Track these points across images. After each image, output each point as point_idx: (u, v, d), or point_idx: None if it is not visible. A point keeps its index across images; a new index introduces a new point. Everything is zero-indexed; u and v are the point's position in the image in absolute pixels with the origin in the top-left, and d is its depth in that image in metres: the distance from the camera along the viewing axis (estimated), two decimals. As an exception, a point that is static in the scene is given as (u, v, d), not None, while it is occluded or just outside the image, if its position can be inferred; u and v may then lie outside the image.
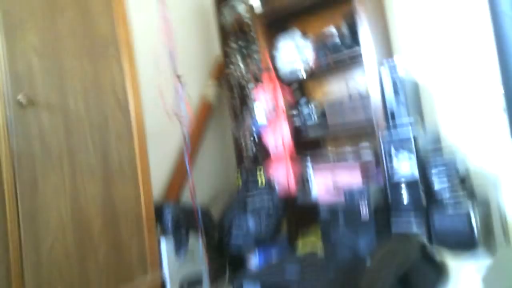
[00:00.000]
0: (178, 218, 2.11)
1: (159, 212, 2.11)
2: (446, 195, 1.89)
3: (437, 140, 2.23)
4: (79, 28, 1.89)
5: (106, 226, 1.85)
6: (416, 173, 1.92)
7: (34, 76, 1.67)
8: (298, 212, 2.57)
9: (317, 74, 2.69)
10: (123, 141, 2.02)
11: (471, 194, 1.97)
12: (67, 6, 1.86)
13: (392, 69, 2.08)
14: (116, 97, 2.01)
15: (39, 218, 1.61)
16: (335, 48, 2.38)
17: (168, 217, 2.11)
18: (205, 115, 3.03)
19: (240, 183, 2.60)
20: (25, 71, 1.65)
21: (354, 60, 2.32)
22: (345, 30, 2.38)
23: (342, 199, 2.08)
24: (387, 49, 2.35)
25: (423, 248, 0.70)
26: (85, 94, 1.87)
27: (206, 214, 2.28)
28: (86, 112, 1.86)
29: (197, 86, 3.09)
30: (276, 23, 2.73)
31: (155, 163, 2.34)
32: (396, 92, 2.07)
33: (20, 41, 1.64)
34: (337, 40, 2.39)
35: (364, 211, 1.92)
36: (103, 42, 1.99)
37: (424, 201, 1.88)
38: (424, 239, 0.71)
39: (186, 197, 2.71)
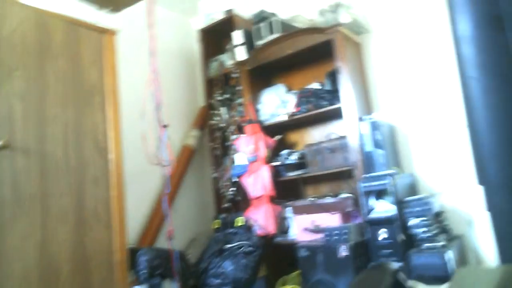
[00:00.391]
0: (153, 264, 2.04)
1: (133, 257, 2.04)
2: (422, 232, 1.90)
3: (413, 180, 2.29)
4: (68, 76, 1.97)
5: (75, 273, 1.78)
6: (393, 211, 1.95)
7: (15, 121, 1.71)
8: (277, 254, 2.51)
9: (299, 125, 2.79)
10: (100, 185, 2.01)
11: (446, 230, 1.98)
12: (59, 55, 1.94)
13: (371, 123, 2.18)
14: (96, 143, 2.04)
15: (3, 265, 1.55)
16: (317, 103, 2.48)
17: (143, 263, 2.04)
18: (186, 161, 3.05)
19: (218, 226, 2.56)
20: (5, 116, 1.67)
21: (335, 114, 2.42)
22: (327, 86, 2.51)
23: (321, 238, 2.06)
24: (366, 104, 2.46)
25: (395, 275, 0.71)
26: (65, 139, 1.90)
27: (182, 258, 2.21)
28: (64, 157, 1.87)
29: (180, 134, 3.16)
30: (262, 78, 2.87)
31: (132, 207, 2.31)
32: (375, 144, 2.16)
33: (5, 87, 1.69)
34: (320, 95, 2.50)
35: (343, 250, 1.90)
36: (90, 90, 2.06)
37: (401, 238, 1.88)
38: (396, 267, 0.71)
39: (162, 241, 2.64)
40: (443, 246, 1.80)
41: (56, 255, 1.73)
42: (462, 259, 1.95)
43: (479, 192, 0.93)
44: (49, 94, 1.86)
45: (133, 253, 2.07)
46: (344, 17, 2.39)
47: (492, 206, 0.86)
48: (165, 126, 2.02)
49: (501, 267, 0.59)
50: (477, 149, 0.88)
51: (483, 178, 0.87)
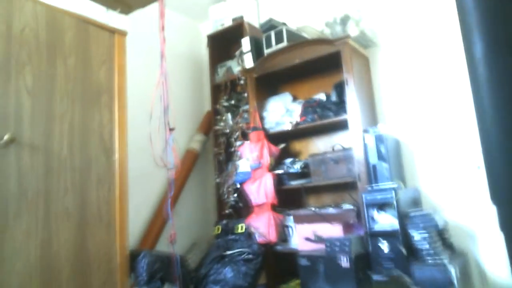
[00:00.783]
0: (154, 267, 2.02)
1: (133, 260, 2.03)
2: (425, 246, 1.89)
3: (416, 195, 2.29)
4: (78, 75, 1.97)
5: (76, 273, 1.77)
6: (396, 225, 1.94)
7: (23, 116, 1.71)
8: (277, 262, 2.50)
9: (304, 135, 2.80)
10: (104, 185, 2.00)
11: (449, 245, 1.98)
12: (71, 53, 1.95)
13: (376, 136, 2.19)
14: (102, 142, 2.03)
15: (5, 262, 1.53)
16: (323, 113, 2.50)
17: (143, 266, 2.02)
18: (190, 165, 3.05)
19: (219, 231, 2.55)
20: (14, 111, 1.68)
21: (340, 125, 2.44)
22: (333, 97, 2.53)
23: (322, 248, 2.06)
24: (372, 116, 2.48)
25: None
26: (71, 137, 1.89)
27: (182, 263, 2.19)
28: (69, 155, 1.87)
29: (185, 137, 3.16)
30: (269, 86, 2.89)
31: (134, 209, 2.30)
32: (380, 156, 2.16)
33: (14, 82, 1.69)
34: (326, 105, 2.52)
35: (345, 260, 1.89)
36: (98, 89, 2.06)
37: (404, 252, 1.88)
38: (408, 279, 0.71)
39: (162, 244, 2.63)
40: (446, 261, 1.80)
41: (57, 254, 1.72)
42: (465, 275, 1.94)
43: (492, 211, 0.93)
44: (57, 91, 1.87)
45: (134, 256, 2.06)
46: (352, 30, 2.42)
47: (506, 226, 0.86)
48: (172, 129, 2.02)
49: None
50: (491, 169, 0.88)
51: (497, 197, 0.87)
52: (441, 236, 1.98)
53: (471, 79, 0.97)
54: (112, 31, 2.18)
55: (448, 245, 1.98)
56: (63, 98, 1.89)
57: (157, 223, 2.62)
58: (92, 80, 2.04)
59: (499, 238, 0.89)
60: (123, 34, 2.24)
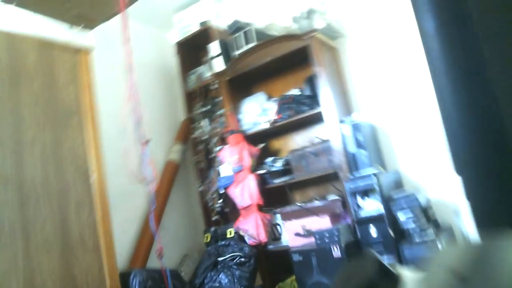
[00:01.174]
0: (147, 285, 1.99)
1: (125, 281, 1.98)
2: (411, 225, 1.93)
3: (397, 177, 2.34)
4: (44, 98, 1.91)
5: (65, 303, 1.71)
6: (381, 209, 1.98)
7: (-12, 148, 1.64)
8: (271, 262, 2.50)
9: (282, 132, 2.81)
10: (84, 208, 1.95)
11: (434, 222, 2.03)
12: (35, 77, 1.88)
13: (352, 125, 2.22)
14: (77, 165, 1.98)
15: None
16: (298, 108, 2.51)
17: (136, 286, 1.98)
18: (171, 176, 3.01)
19: (209, 239, 2.53)
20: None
21: (316, 118, 2.45)
22: (307, 91, 2.54)
23: (313, 242, 2.07)
24: (346, 106, 2.51)
25: (379, 262, 0.72)
26: (44, 163, 1.83)
27: (175, 276, 2.16)
28: (44, 182, 1.81)
29: (163, 149, 3.12)
30: (242, 87, 2.88)
31: (119, 228, 2.25)
32: (358, 144, 2.19)
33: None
34: (300, 100, 2.52)
35: (336, 250, 1.91)
36: (67, 111, 2.00)
37: (392, 234, 1.91)
38: (377, 255, 0.73)
39: (153, 261, 2.58)
40: (434, 237, 1.84)
41: (43, 287, 1.65)
42: (452, 249, 1.99)
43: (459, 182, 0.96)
44: (25, 118, 1.80)
45: (124, 276, 2.01)
46: (318, 23, 2.44)
47: (471, 195, 0.88)
48: (146, 142, 1.99)
49: (475, 245, 0.62)
50: (451, 142, 0.91)
51: (459, 168, 0.90)
52: (426, 214, 2.02)
53: (426, 55, 1.00)
54: (75, 50, 2.13)
55: (433, 222, 2.02)
56: (31, 124, 1.83)
57: (145, 239, 2.57)
58: (60, 102, 1.99)
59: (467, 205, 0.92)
60: (87, 51, 2.19)
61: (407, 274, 0.71)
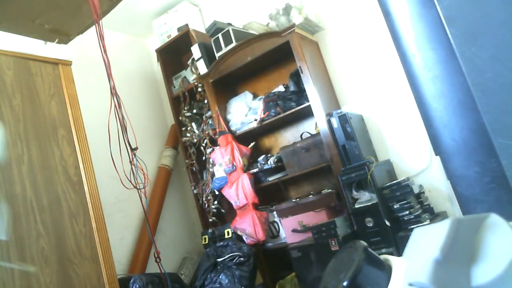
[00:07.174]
0: (147, 292, 1.98)
1: (125, 287, 1.97)
2: (406, 213, 1.95)
3: (389, 166, 2.36)
4: (27, 114, 1.87)
5: (66, 317, 1.69)
6: (375, 199, 1.99)
7: (-26, 168, 1.61)
8: (271, 260, 2.50)
9: (271, 130, 2.81)
10: (78, 219, 1.93)
11: (428, 208, 2.05)
12: (15, 93, 1.85)
13: (340, 117, 2.22)
14: (67, 176, 1.96)
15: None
16: (285, 105, 2.51)
17: (136, 293, 1.97)
18: (165, 181, 3.00)
19: (207, 241, 2.53)
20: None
21: (304, 113, 2.46)
22: (292, 87, 2.53)
23: (311, 237, 2.08)
24: (332, 98, 2.52)
25: (366, 250, 0.73)
26: (33, 178, 1.81)
27: (176, 279, 2.15)
28: (35, 197, 1.78)
29: (155, 155, 3.10)
30: (227, 88, 2.87)
31: (116, 235, 2.24)
32: (347, 136, 2.20)
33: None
34: (286, 97, 2.53)
35: (334, 244, 1.92)
36: (52, 124, 1.98)
37: (387, 223, 1.93)
38: (365, 244, 0.74)
39: (153, 266, 2.57)
40: (428, 222, 1.86)
41: (41, 302, 1.64)
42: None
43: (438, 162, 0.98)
44: (9, 135, 1.78)
45: (124, 283, 2.00)
46: (296, 18, 2.45)
47: (451, 174, 0.90)
48: (134, 149, 1.98)
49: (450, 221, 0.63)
50: (428, 122, 0.92)
51: (438, 149, 0.91)
52: (419, 201, 2.04)
53: (394, 39, 1.01)
54: (56, 63, 2.10)
55: (427, 208, 2.04)
56: (16, 141, 1.80)
57: (143, 245, 2.56)
58: (44, 116, 1.96)
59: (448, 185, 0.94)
60: (67, 63, 2.16)
61: (396, 261, 0.72)
